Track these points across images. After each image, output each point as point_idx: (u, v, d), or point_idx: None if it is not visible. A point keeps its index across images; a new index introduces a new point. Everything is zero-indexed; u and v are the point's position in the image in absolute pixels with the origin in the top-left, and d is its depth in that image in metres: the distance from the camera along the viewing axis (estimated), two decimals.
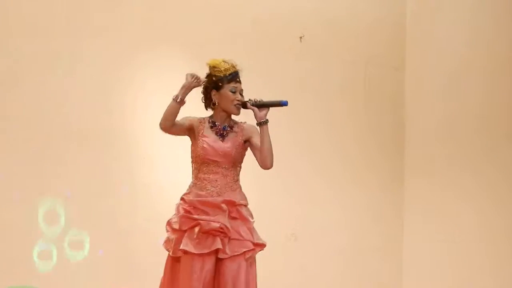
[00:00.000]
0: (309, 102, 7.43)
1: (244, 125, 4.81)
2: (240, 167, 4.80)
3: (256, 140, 4.75)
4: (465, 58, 7.42)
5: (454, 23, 7.54)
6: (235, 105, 4.72)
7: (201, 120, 4.79)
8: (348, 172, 7.54)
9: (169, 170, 6.70)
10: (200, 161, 4.73)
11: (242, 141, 4.79)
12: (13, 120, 6.32)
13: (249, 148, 4.83)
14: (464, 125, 7.38)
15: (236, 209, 4.72)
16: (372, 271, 7.59)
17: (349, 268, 7.49)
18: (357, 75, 7.63)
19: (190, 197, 4.71)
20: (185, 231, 4.65)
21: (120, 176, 6.63)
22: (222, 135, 4.77)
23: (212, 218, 4.63)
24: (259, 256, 4.74)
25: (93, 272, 6.51)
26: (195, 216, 4.64)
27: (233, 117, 4.82)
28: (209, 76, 4.79)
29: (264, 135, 4.71)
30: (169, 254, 4.72)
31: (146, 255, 6.64)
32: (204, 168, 4.72)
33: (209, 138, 4.73)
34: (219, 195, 4.70)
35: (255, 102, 4.69)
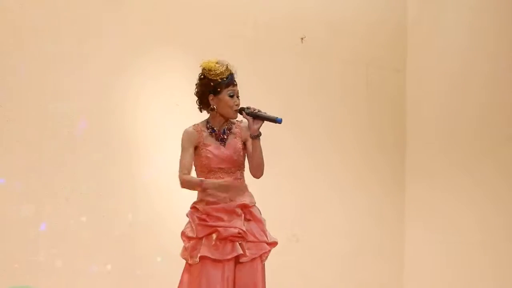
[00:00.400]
0: (310, 103, 7.42)
1: (241, 124, 4.77)
2: (244, 167, 4.79)
3: (249, 145, 4.73)
4: (466, 60, 7.41)
5: (455, 25, 7.54)
6: (234, 110, 4.68)
7: (198, 129, 4.73)
8: (349, 174, 7.53)
9: (170, 171, 6.68)
10: (207, 170, 4.71)
11: (242, 143, 4.77)
12: (13, 120, 6.31)
13: None
14: (465, 127, 7.38)
15: (249, 210, 4.72)
16: (373, 273, 7.58)
17: (350, 270, 7.48)
18: (358, 77, 7.63)
19: (202, 205, 4.70)
20: (201, 238, 4.64)
21: (120, 178, 6.62)
22: (222, 140, 4.74)
23: (228, 223, 4.62)
24: None
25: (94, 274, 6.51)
26: (212, 223, 4.63)
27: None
28: (204, 79, 4.72)
29: (255, 149, 4.68)
30: (186, 263, 4.69)
31: (147, 256, 6.64)
32: (211, 176, 4.70)
33: (211, 146, 4.70)
34: (232, 200, 4.69)
35: (251, 111, 4.63)
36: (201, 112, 4.78)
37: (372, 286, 7.58)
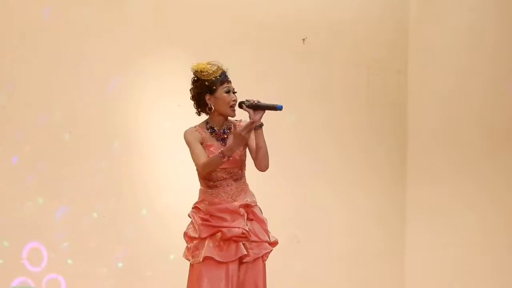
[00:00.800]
0: (312, 105, 7.42)
1: (241, 123, 4.76)
2: (245, 166, 4.79)
3: (251, 141, 4.72)
4: (467, 61, 7.41)
5: (456, 26, 7.54)
6: (231, 106, 4.67)
7: (198, 130, 4.74)
8: (350, 174, 7.54)
9: (171, 172, 6.70)
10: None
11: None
12: (14, 121, 6.32)
13: None
14: (466, 129, 7.38)
15: (251, 210, 4.73)
16: (375, 275, 7.58)
17: (352, 271, 7.48)
18: (359, 78, 7.63)
19: (204, 205, 4.70)
20: (204, 238, 4.64)
21: (122, 178, 6.62)
22: (223, 140, 4.74)
23: (232, 224, 4.62)
24: None
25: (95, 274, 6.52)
26: (215, 224, 4.64)
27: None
28: (198, 81, 4.73)
29: (259, 139, 4.66)
30: (190, 264, 4.69)
31: (148, 257, 6.65)
32: (213, 176, 4.70)
33: (213, 147, 4.69)
34: (234, 200, 4.70)
35: (251, 103, 4.62)
36: (199, 115, 4.77)
37: (373, 286, 7.58)
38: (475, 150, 7.31)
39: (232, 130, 4.68)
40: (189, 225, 4.76)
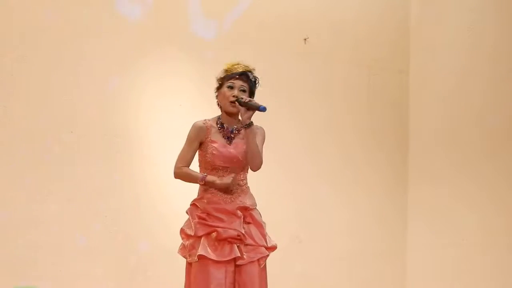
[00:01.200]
0: (313, 105, 7.41)
1: (253, 127, 4.71)
2: (248, 168, 4.77)
3: (245, 136, 4.70)
4: (468, 61, 7.41)
5: (457, 26, 7.53)
6: (230, 101, 4.65)
7: (207, 124, 4.73)
8: (351, 175, 7.53)
9: (172, 171, 6.68)
10: (210, 167, 4.70)
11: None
12: (15, 121, 6.31)
13: None
14: (467, 129, 7.37)
15: (249, 213, 4.71)
16: (376, 275, 7.57)
17: (353, 272, 7.48)
18: (361, 78, 7.62)
19: (202, 203, 4.69)
20: (200, 237, 4.63)
21: (123, 178, 6.62)
22: (229, 138, 4.72)
23: (228, 225, 4.61)
24: None
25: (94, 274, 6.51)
26: (211, 223, 4.63)
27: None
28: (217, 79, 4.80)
29: (248, 138, 4.64)
30: (187, 261, 4.69)
31: (148, 257, 6.64)
32: (215, 174, 4.69)
33: (218, 144, 4.69)
34: (232, 201, 4.69)
35: (242, 101, 4.59)
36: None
37: (375, 286, 7.57)
38: (476, 150, 7.30)
39: (231, 180, 4.65)
40: (186, 221, 4.75)
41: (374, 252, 7.56)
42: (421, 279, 7.62)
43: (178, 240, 4.77)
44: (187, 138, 4.72)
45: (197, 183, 4.69)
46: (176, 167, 4.73)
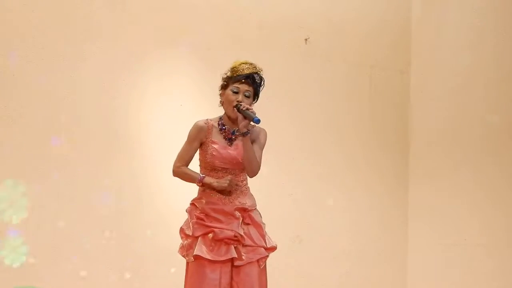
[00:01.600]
0: (314, 105, 7.41)
1: (254, 129, 4.75)
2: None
3: (254, 145, 4.71)
4: (470, 61, 7.40)
5: (459, 27, 7.53)
6: (233, 106, 4.64)
7: (208, 124, 4.73)
8: (352, 175, 7.53)
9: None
10: (210, 168, 4.71)
11: None
12: (16, 121, 6.32)
13: None
14: (468, 128, 7.37)
15: (248, 214, 4.72)
16: (377, 275, 7.57)
17: (354, 272, 7.48)
18: (362, 78, 7.62)
19: (201, 203, 4.70)
20: (197, 237, 4.64)
21: (124, 178, 6.62)
22: (230, 140, 4.73)
23: (225, 226, 4.62)
24: None
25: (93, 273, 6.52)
26: (209, 224, 4.64)
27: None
28: (223, 77, 4.78)
29: (244, 146, 4.64)
30: (187, 260, 4.71)
31: (149, 257, 6.65)
32: (214, 174, 4.70)
33: (218, 145, 4.69)
34: (231, 202, 4.69)
35: (240, 109, 4.59)
36: (219, 106, 4.78)
37: (375, 286, 7.57)
38: (477, 150, 7.30)
39: (228, 181, 4.66)
40: (185, 221, 4.76)
41: (374, 251, 7.56)
42: (421, 279, 7.62)
43: (178, 239, 4.78)
44: (187, 137, 4.73)
45: (195, 183, 4.70)
46: (174, 166, 4.75)
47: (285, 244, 6.92)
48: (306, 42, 7.39)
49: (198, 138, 4.71)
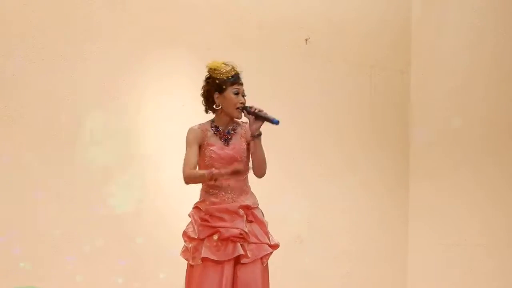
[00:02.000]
0: (314, 105, 7.41)
1: (247, 125, 4.76)
2: (248, 168, 4.78)
3: (252, 145, 4.73)
4: (470, 61, 7.41)
5: (459, 27, 7.53)
6: (237, 108, 4.68)
7: (202, 128, 4.75)
8: (353, 175, 7.53)
9: (174, 172, 6.68)
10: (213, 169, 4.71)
11: (246, 144, 4.77)
12: (17, 121, 6.32)
13: None
14: (469, 128, 7.37)
15: (251, 212, 4.73)
16: (377, 275, 7.57)
17: (354, 272, 7.48)
18: (362, 78, 7.62)
19: (205, 205, 4.71)
20: (203, 239, 4.64)
21: (124, 178, 6.62)
22: (226, 140, 4.74)
23: (230, 224, 4.63)
24: None
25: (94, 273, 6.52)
26: (214, 224, 4.64)
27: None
28: (210, 78, 4.76)
29: (256, 148, 4.67)
30: (189, 263, 4.71)
31: (150, 259, 6.65)
32: None
33: (215, 146, 4.70)
34: (234, 201, 4.70)
35: (252, 111, 4.62)
36: (206, 113, 4.79)
37: (376, 286, 7.57)
38: (478, 150, 7.30)
39: (236, 166, 4.64)
40: (188, 224, 4.76)
41: (375, 251, 7.57)
42: (422, 279, 7.62)
43: (180, 242, 4.78)
44: (186, 144, 4.73)
45: (207, 180, 4.64)
46: (184, 173, 4.68)
47: (286, 244, 6.90)
48: (306, 42, 7.39)
49: (196, 141, 4.72)
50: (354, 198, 7.52)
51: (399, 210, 7.70)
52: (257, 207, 4.79)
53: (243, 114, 4.70)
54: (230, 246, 4.62)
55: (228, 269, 4.61)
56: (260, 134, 4.65)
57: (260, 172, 4.73)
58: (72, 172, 6.45)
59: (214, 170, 4.62)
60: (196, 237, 4.66)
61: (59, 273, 6.36)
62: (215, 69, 4.73)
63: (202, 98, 4.79)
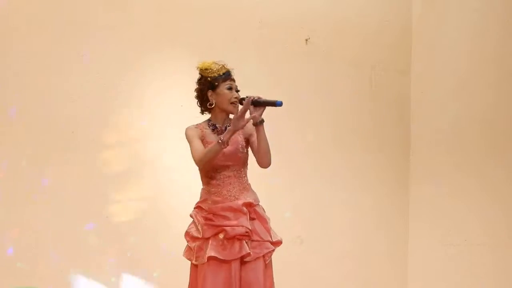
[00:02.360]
0: (315, 105, 7.41)
1: (249, 125, 4.76)
2: (247, 164, 4.79)
3: (254, 138, 4.74)
4: (471, 62, 7.40)
5: (460, 27, 7.53)
6: (232, 102, 4.71)
7: (199, 127, 4.78)
8: (353, 175, 7.53)
9: (175, 171, 6.70)
10: (210, 168, 4.71)
11: (244, 140, 4.79)
12: (18, 120, 6.32)
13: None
14: (470, 129, 7.37)
15: (253, 209, 4.74)
16: (378, 276, 7.57)
17: (355, 272, 7.48)
18: (362, 79, 7.62)
19: (207, 204, 4.71)
20: (208, 238, 4.64)
21: (125, 178, 6.62)
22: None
23: (235, 222, 4.63)
24: None
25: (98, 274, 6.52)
26: (218, 223, 4.64)
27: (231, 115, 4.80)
28: (202, 79, 4.79)
29: (260, 135, 4.68)
30: (192, 263, 4.70)
31: (150, 258, 6.65)
32: (216, 175, 4.72)
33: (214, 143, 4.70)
34: (237, 198, 4.71)
35: (252, 99, 4.63)
36: (202, 114, 4.81)
37: (376, 286, 7.57)
38: (478, 150, 7.30)
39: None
40: (190, 224, 4.77)
41: (375, 251, 7.56)
42: (422, 279, 7.61)
43: (179, 240, 4.78)
44: (188, 139, 4.73)
45: (220, 148, 4.54)
46: (196, 157, 4.62)
47: (286, 244, 6.90)
48: (306, 42, 7.39)
49: (197, 135, 4.73)
50: (354, 198, 7.52)
51: (399, 210, 7.70)
52: (259, 204, 4.80)
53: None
54: (236, 244, 4.63)
55: (235, 268, 4.61)
56: (263, 121, 4.65)
57: (265, 161, 4.71)
58: (74, 171, 6.45)
59: (224, 136, 4.54)
60: (200, 237, 4.66)
61: (59, 273, 6.36)
62: (206, 69, 4.77)
63: (196, 100, 4.82)
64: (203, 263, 4.61)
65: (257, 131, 4.67)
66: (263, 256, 4.69)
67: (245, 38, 7.11)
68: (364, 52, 7.64)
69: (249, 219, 4.69)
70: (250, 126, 4.75)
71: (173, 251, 6.34)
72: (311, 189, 7.34)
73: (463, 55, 7.47)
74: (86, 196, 6.47)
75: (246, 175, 4.79)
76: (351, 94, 7.58)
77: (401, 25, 7.81)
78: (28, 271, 6.27)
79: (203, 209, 4.71)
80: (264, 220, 4.76)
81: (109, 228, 6.52)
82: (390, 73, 7.76)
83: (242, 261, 4.64)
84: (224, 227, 4.62)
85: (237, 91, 4.76)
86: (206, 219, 4.68)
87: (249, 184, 4.81)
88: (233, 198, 4.71)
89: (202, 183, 4.78)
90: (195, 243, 4.68)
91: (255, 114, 4.62)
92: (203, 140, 4.72)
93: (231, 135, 4.56)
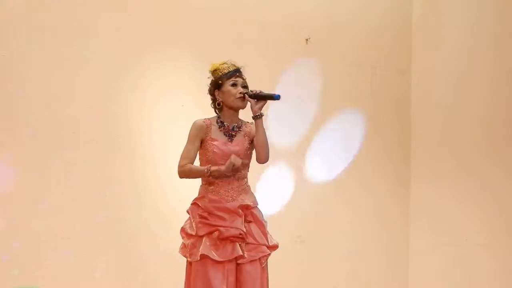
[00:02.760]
0: (315, 105, 7.41)
1: (252, 125, 4.79)
2: (249, 167, 4.79)
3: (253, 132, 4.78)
4: (471, 61, 7.40)
5: (460, 27, 7.53)
6: (237, 98, 4.73)
7: (207, 122, 4.77)
8: (354, 175, 7.53)
9: (174, 172, 6.68)
10: (211, 165, 4.72)
11: (249, 142, 4.78)
12: (19, 122, 6.32)
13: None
14: (470, 128, 7.37)
15: (251, 212, 4.73)
16: (378, 275, 7.57)
17: (355, 272, 7.48)
18: (363, 78, 7.62)
19: (204, 202, 4.71)
20: (201, 236, 4.64)
21: (125, 178, 6.62)
22: (230, 136, 4.76)
23: (230, 224, 4.63)
24: None
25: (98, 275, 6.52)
26: (213, 222, 4.64)
27: (241, 116, 4.81)
28: (212, 80, 4.84)
29: (258, 129, 4.71)
30: (187, 260, 4.71)
31: (150, 257, 6.65)
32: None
33: (218, 141, 4.72)
34: (234, 199, 4.71)
35: (252, 93, 4.70)
36: (216, 113, 4.82)
37: (377, 286, 7.57)
38: (479, 149, 7.30)
39: (231, 159, 4.63)
40: (186, 220, 4.76)
41: (376, 251, 7.56)
42: (423, 279, 7.61)
43: (179, 240, 4.77)
44: (188, 137, 4.76)
45: (203, 176, 4.68)
46: (179, 166, 4.74)
47: (287, 244, 6.92)
48: (307, 42, 7.39)
49: (199, 136, 4.74)
50: (355, 198, 7.52)
51: (400, 210, 7.70)
52: (256, 206, 4.79)
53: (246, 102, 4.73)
54: (229, 246, 4.62)
55: (229, 269, 4.60)
56: (261, 115, 4.68)
57: (262, 156, 4.74)
58: (75, 171, 6.45)
59: (212, 167, 4.63)
60: (193, 234, 4.65)
61: (58, 273, 6.36)
62: (214, 70, 4.83)
63: (211, 101, 4.86)
64: (196, 261, 4.61)
65: (256, 125, 4.71)
66: (259, 259, 4.68)
67: (245, 38, 7.11)
68: (364, 52, 7.64)
69: (246, 222, 4.69)
70: (251, 129, 4.78)
71: (171, 249, 6.38)
72: (311, 189, 7.34)
73: (463, 55, 7.47)
74: (86, 196, 6.46)
75: (246, 177, 4.79)
76: (351, 94, 7.58)
77: (401, 25, 7.81)
78: (29, 271, 6.28)
79: (200, 206, 4.71)
80: (261, 224, 4.75)
81: (109, 228, 6.52)
82: (390, 73, 7.76)
83: (238, 263, 4.63)
84: (218, 227, 4.62)
85: (244, 86, 4.77)
86: (201, 217, 4.68)
87: (248, 186, 4.80)
88: (230, 198, 4.70)
89: (201, 180, 4.78)
90: (189, 240, 4.68)
91: (255, 107, 4.66)
92: (206, 136, 4.72)
93: (219, 174, 4.62)
